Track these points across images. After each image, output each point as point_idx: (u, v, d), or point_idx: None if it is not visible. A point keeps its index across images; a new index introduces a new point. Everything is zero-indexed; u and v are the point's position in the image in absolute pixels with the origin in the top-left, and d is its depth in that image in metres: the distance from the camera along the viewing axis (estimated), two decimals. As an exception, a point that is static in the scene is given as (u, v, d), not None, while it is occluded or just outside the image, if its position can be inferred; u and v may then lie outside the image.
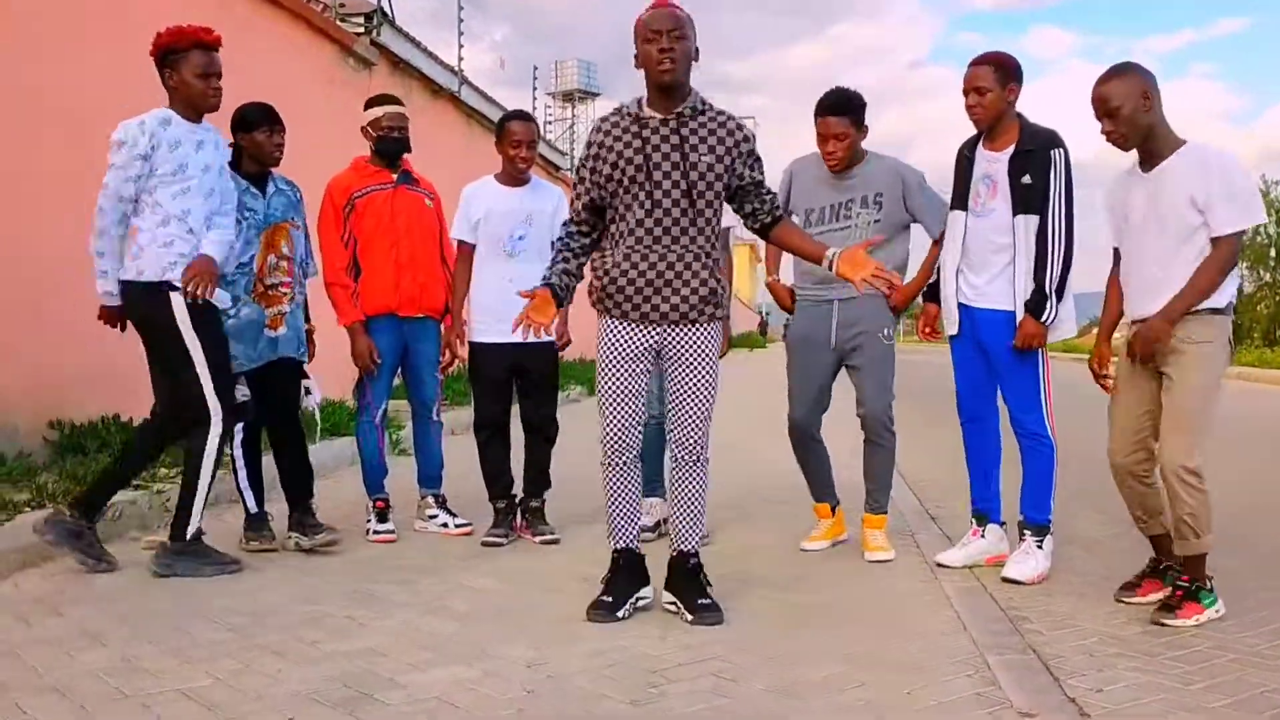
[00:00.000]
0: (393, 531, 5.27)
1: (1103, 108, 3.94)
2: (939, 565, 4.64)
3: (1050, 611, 4.01)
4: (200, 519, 4.49)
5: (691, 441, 3.93)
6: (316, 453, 7.17)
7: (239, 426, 5.04)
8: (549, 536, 5.20)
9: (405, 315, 5.31)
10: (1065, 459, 4.57)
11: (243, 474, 5.10)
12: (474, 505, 5.57)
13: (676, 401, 3.94)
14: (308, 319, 5.29)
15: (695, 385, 3.90)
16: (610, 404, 3.92)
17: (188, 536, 4.45)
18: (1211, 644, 3.62)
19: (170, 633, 3.66)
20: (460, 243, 5.29)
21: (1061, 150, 4.40)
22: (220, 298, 4.51)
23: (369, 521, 5.31)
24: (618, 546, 4.01)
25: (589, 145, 3.98)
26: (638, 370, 3.92)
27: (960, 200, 4.59)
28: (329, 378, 5.58)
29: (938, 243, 4.87)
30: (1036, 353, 4.48)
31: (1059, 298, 4.39)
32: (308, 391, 5.27)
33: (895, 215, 4.86)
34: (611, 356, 3.92)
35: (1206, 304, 3.86)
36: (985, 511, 4.72)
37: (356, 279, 5.28)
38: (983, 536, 4.70)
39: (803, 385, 5.00)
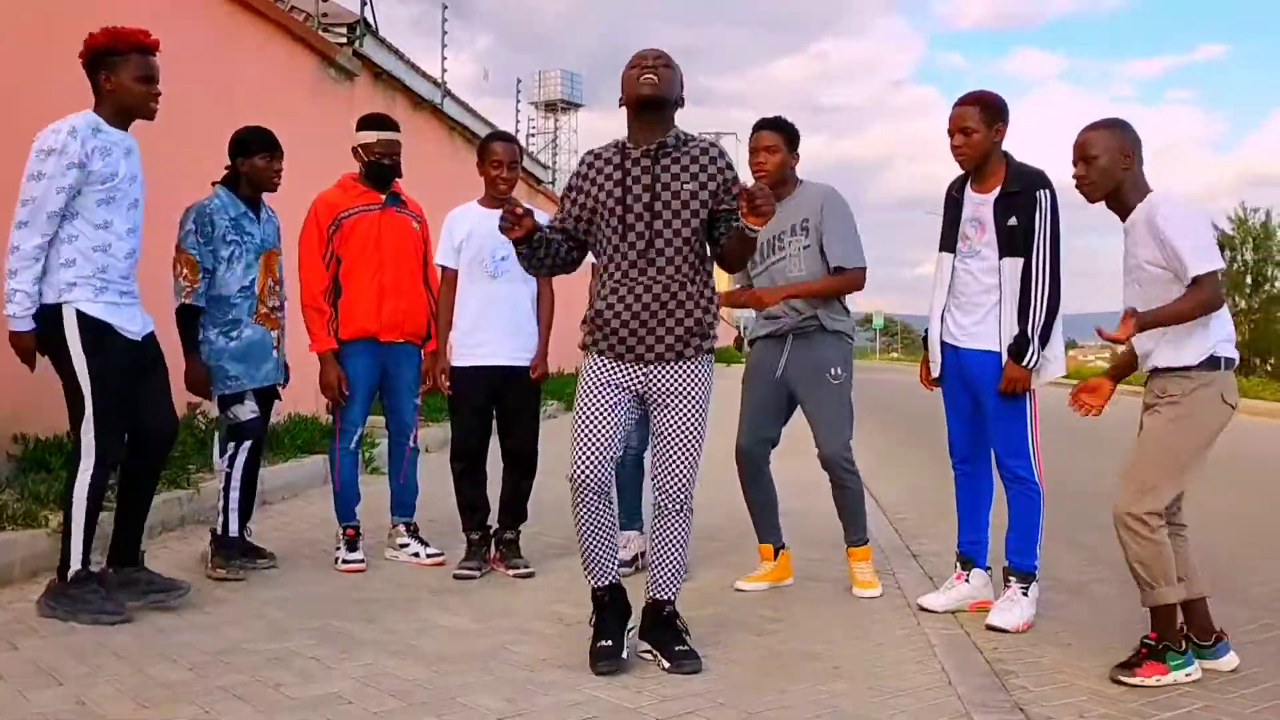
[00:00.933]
0: (362, 561, 5.13)
1: (1080, 153, 3.90)
2: (921, 609, 4.55)
3: (1036, 664, 3.92)
4: (80, 560, 4.13)
5: (675, 489, 3.80)
6: (287, 471, 7.10)
7: (244, 446, 4.95)
8: (523, 570, 5.08)
9: (386, 340, 5.20)
10: (1053, 499, 4.49)
11: (235, 495, 4.96)
12: (446, 529, 5.45)
13: (661, 447, 3.81)
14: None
15: (681, 430, 3.77)
16: (582, 439, 3.76)
17: (67, 577, 4.13)
18: (1201, 704, 3.54)
19: (128, 672, 3.52)
20: (444, 268, 5.17)
21: (1047, 191, 4.33)
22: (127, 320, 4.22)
23: (338, 549, 5.17)
24: (598, 585, 3.86)
25: (573, 176, 3.91)
26: (615, 405, 3.79)
27: (948, 242, 4.52)
28: (303, 393, 5.46)
29: (835, 272, 4.78)
30: (1025, 396, 4.40)
31: (1043, 342, 4.31)
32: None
33: (816, 240, 4.81)
34: (589, 390, 3.80)
35: (1180, 361, 3.78)
36: (971, 555, 4.63)
37: (335, 300, 5.15)
38: (967, 581, 4.61)
39: (750, 414, 4.94)
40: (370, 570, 5.09)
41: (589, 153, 3.89)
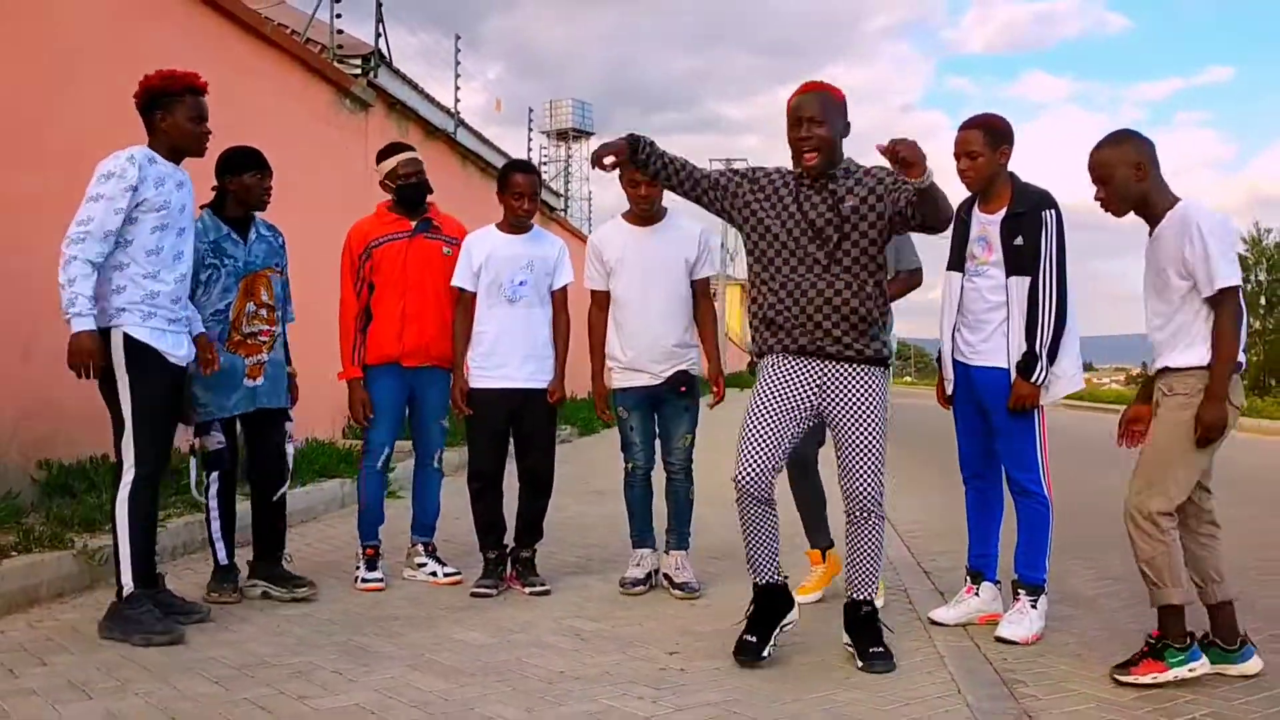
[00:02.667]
0: (381, 580, 5.22)
1: (1094, 175, 3.98)
2: (932, 622, 4.61)
3: (1045, 674, 3.97)
4: (131, 580, 4.23)
5: (864, 497, 3.98)
6: (305, 496, 7.19)
7: (214, 476, 4.98)
8: (539, 588, 5.16)
9: (409, 365, 5.29)
10: (1056, 513, 4.55)
11: (216, 524, 5.00)
12: (463, 551, 5.53)
13: (845, 457, 3.97)
14: (289, 362, 5.21)
15: (863, 439, 3.93)
16: (747, 446, 3.94)
17: (123, 597, 4.24)
18: (1207, 711, 3.59)
19: (156, 685, 3.62)
20: (460, 290, 5.24)
21: (1052, 211, 4.42)
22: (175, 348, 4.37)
23: (358, 568, 5.26)
24: (757, 582, 4.08)
25: (748, 171, 4.22)
26: (785, 414, 3.96)
27: (957, 261, 4.60)
28: (319, 417, 5.55)
29: (907, 276, 5.05)
30: (1033, 412, 4.47)
31: (1050, 358, 4.39)
32: (288, 436, 5.23)
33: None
34: (762, 394, 4.00)
35: (1188, 362, 3.85)
36: (981, 569, 4.69)
37: (366, 327, 5.28)
38: (977, 594, 4.68)
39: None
40: (389, 589, 5.18)
41: (761, 171, 4.18)
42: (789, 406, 3.97)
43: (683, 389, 5.12)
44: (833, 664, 4.05)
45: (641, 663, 4.02)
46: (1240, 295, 3.85)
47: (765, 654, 3.98)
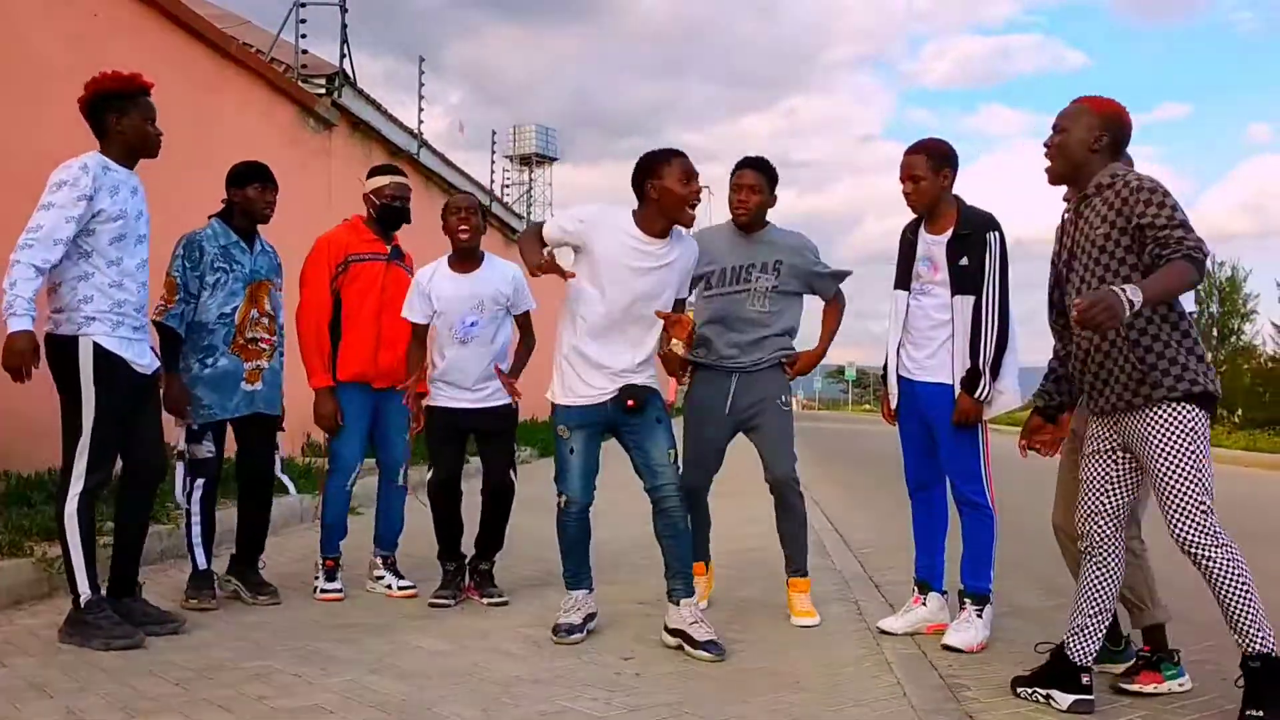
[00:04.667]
0: (340, 590, 5.28)
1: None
2: (881, 631, 4.72)
3: (989, 680, 4.09)
4: (88, 586, 4.24)
5: (1177, 539, 3.56)
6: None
7: (200, 482, 5.03)
8: (497, 599, 5.22)
9: (378, 387, 5.36)
10: (1007, 531, 4.69)
11: (197, 530, 5.05)
12: (422, 565, 5.59)
13: (1157, 498, 3.65)
14: None
15: (1162, 477, 3.55)
16: (1080, 498, 3.80)
17: (81, 604, 4.25)
18: (1141, 713, 3.72)
19: (116, 686, 3.66)
20: (415, 324, 5.21)
21: (997, 233, 4.58)
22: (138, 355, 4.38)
23: (317, 579, 5.31)
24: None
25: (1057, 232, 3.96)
26: (1103, 460, 3.74)
27: (903, 280, 4.75)
28: (285, 434, 5.58)
29: (831, 303, 5.19)
30: (977, 426, 4.61)
31: (993, 375, 4.54)
32: (276, 446, 5.30)
33: (790, 284, 5.04)
34: (1086, 458, 3.82)
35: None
36: (927, 579, 4.81)
37: (335, 339, 5.32)
38: (924, 604, 4.79)
39: (697, 451, 5.08)
40: (347, 600, 5.23)
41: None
42: (1102, 449, 3.78)
43: (630, 403, 4.48)
44: (781, 669, 4.15)
45: (596, 668, 4.11)
46: None
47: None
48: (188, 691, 3.63)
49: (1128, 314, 3.30)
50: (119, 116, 4.34)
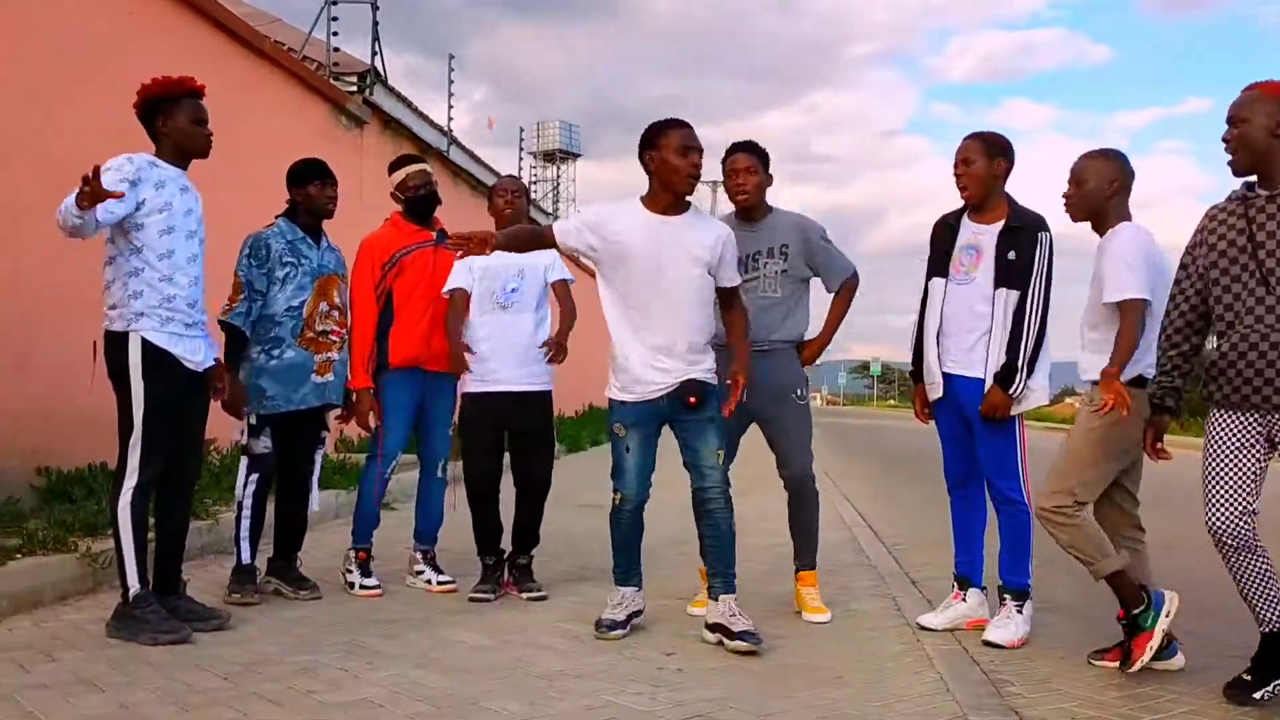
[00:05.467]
0: (379, 586, 5.30)
1: (1073, 176, 4.30)
2: (920, 627, 4.72)
3: (1031, 675, 4.09)
4: (137, 580, 4.29)
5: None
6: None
7: (254, 477, 5.10)
8: (536, 594, 5.25)
9: (430, 370, 5.39)
10: (1042, 530, 4.66)
11: (245, 524, 5.10)
12: (460, 560, 5.62)
13: None
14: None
15: None
16: (1213, 494, 3.72)
17: (129, 599, 4.30)
18: (1188, 709, 3.71)
19: (165, 680, 3.70)
20: (454, 292, 5.26)
21: (1048, 234, 4.59)
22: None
23: (349, 572, 5.35)
24: (1265, 632, 3.73)
25: (1197, 233, 3.85)
26: (1244, 458, 3.68)
27: (940, 268, 4.72)
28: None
29: (839, 295, 5.12)
30: (1014, 420, 4.60)
31: (1029, 372, 4.53)
32: (321, 442, 5.36)
33: (799, 268, 5.01)
34: (1216, 446, 3.75)
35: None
36: (967, 575, 4.80)
37: (383, 334, 5.35)
38: (964, 600, 4.79)
39: None
40: (387, 595, 5.26)
41: (1212, 207, 3.86)
42: (1243, 446, 3.73)
43: (692, 400, 4.46)
44: (822, 665, 4.15)
45: (638, 663, 4.12)
46: (1142, 310, 4.12)
47: (1258, 695, 3.69)
48: (236, 686, 3.67)
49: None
50: (165, 119, 4.44)
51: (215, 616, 4.51)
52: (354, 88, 11.24)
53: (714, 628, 4.43)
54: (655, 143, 4.41)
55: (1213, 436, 3.77)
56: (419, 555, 5.53)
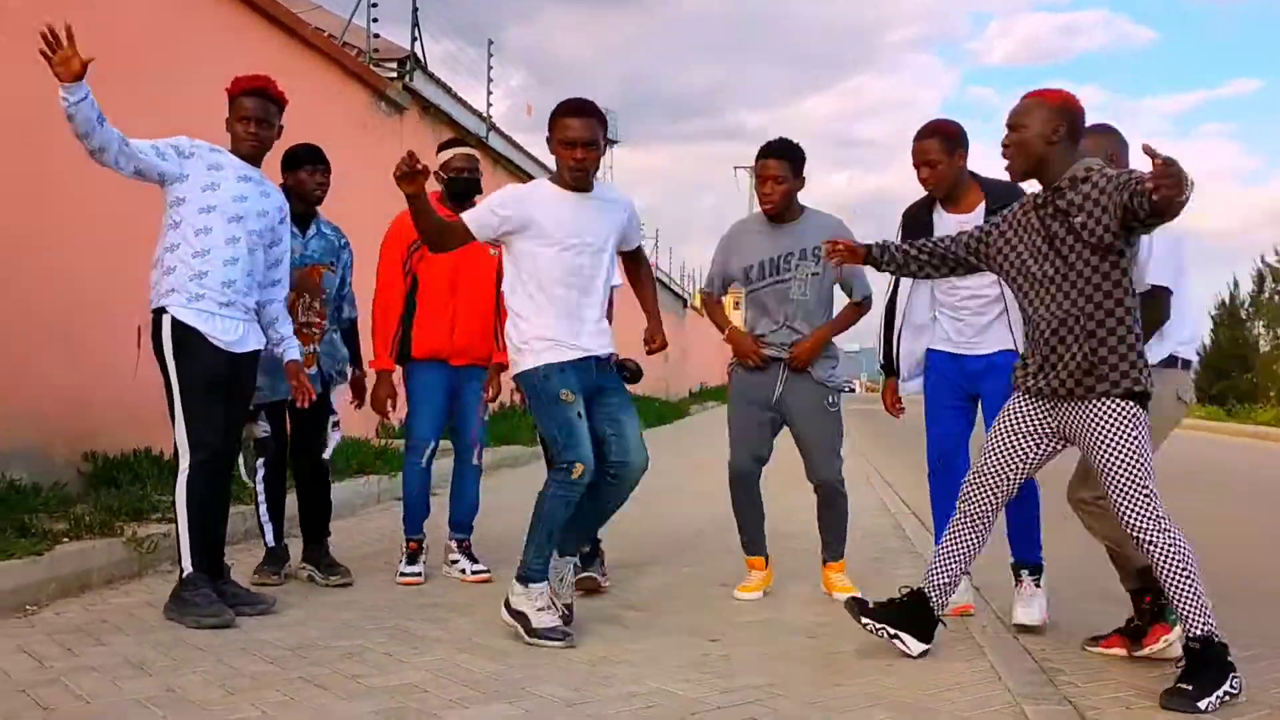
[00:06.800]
0: (420, 574, 5.27)
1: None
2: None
3: (1084, 664, 4.02)
4: (190, 563, 4.29)
5: (1125, 527, 3.71)
6: (341, 491, 7.27)
7: (260, 462, 5.12)
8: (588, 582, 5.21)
9: (455, 364, 5.33)
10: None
11: (264, 508, 5.16)
12: (497, 548, 5.58)
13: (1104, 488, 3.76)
14: (359, 366, 5.40)
15: (1108, 467, 3.68)
16: (980, 458, 4.01)
17: (182, 578, 4.32)
18: (1243, 699, 3.63)
19: (212, 664, 3.70)
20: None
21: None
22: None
23: (401, 562, 5.34)
24: (915, 586, 4.11)
25: (1002, 219, 4.01)
26: (1020, 434, 3.92)
27: None
28: (355, 417, 5.62)
29: (857, 305, 5.12)
30: None
31: None
32: (335, 426, 5.34)
33: (829, 271, 4.96)
34: (1001, 427, 3.99)
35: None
36: None
37: (409, 317, 5.30)
38: None
39: (742, 437, 5.06)
40: (430, 581, 5.25)
41: (1012, 209, 3.98)
42: (1020, 429, 3.96)
43: (625, 372, 4.48)
44: (870, 653, 4.10)
45: (685, 649, 4.09)
46: (1168, 299, 4.07)
47: (865, 621, 4.03)
48: (283, 670, 3.67)
49: (1189, 191, 3.32)
50: (228, 115, 4.53)
51: (260, 601, 4.52)
52: (394, 74, 11.25)
53: (517, 615, 4.18)
54: (550, 126, 4.26)
55: (1006, 411, 3.99)
56: (454, 544, 5.48)
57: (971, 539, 4.04)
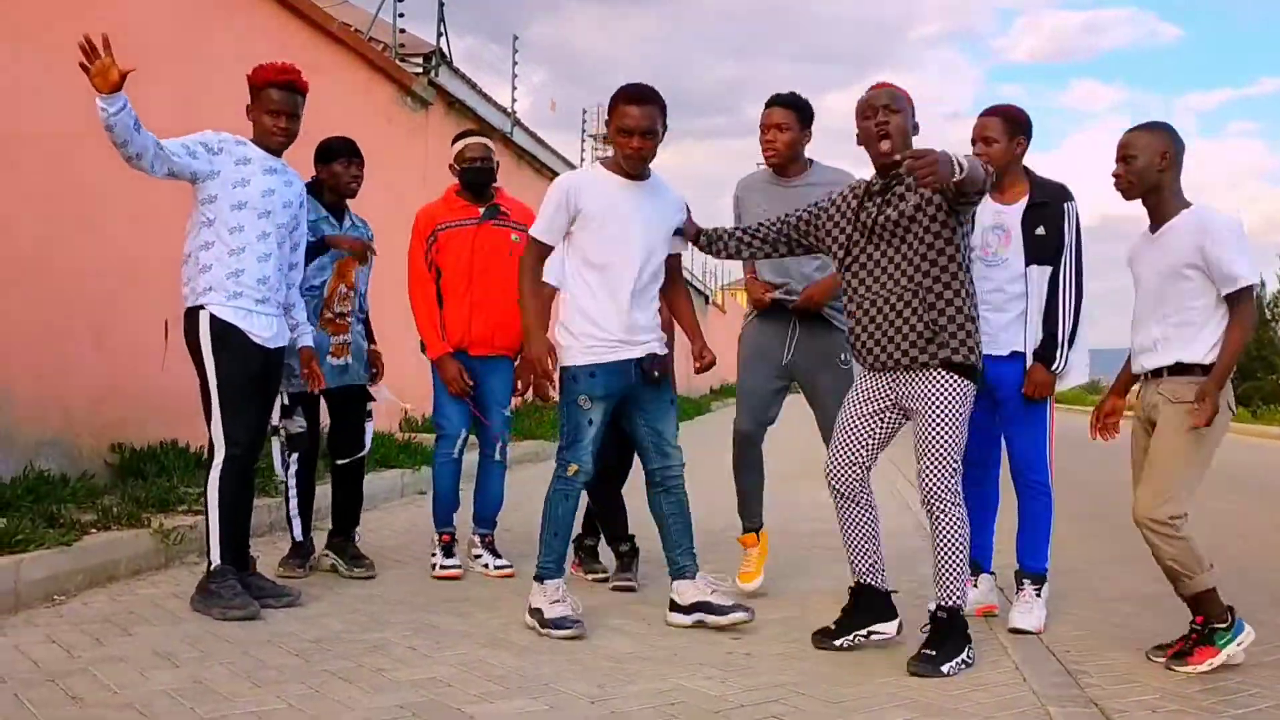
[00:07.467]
0: (459, 566, 5.27)
1: (1120, 153, 4.08)
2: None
3: (1109, 666, 4.00)
4: (218, 555, 4.33)
5: (923, 494, 4.00)
6: (365, 484, 7.30)
7: (294, 456, 5.14)
8: (600, 575, 5.24)
9: (475, 354, 5.32)
10: (1116, 519, 4.56)
11: (294, 502, 5.18)
12: (520, 542, 5.59)
13: (917, 454, 4.00)
14: (372, 340, 5.40)
15: (929, 434, 3.93)
16: (833, 441, 4.19)
17: (209, 570, 4.36)
18: (1272, 703, 3.61)
19: (238, 656, 3.73)
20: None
21: (1073, 204, 4.50)
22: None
23: (434, 555, 5.32)
24: (852, 584, 4.20)
25: (829, 203, 4.23)
26: (866, 413, 4.09)
27: None
28: (379, 411, 5.62)
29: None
30: (1045, 402, 4.51)
31: (1070, 346, 4.45)
32: (369, 415, 5.38)
33: None
34: (847, 400, 4.17)
35: (1193, 358, 3.94)
36: (978, 560, 4.66)
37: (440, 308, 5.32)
38: (975, 586, 4.60)
39: (750, 397, 4.99)
40: (457, 575, 5.26)
41: (839, 193, 4.22)
42: (868, 402, 4.12)
43: (656, 373, 4.33)
44: (893, 653, 4.09)
45: (708, 646, 4.09)
46: (1252, 296, 3.98)
47: (839, 643, 4.09)
48: (308, 663, 3.69)
49: (956, 174, 3.57)
50: (250, 106, 4.54)
51: (286, 594, 4.54)
52: (419, 69, 11.27)
53: (696, 607, 4.37)
54: (610, 113, 4.25)
55: (850, 392, 4.20)
56: (477, 539, 5.48)
57: (865, 517, 4.17)
